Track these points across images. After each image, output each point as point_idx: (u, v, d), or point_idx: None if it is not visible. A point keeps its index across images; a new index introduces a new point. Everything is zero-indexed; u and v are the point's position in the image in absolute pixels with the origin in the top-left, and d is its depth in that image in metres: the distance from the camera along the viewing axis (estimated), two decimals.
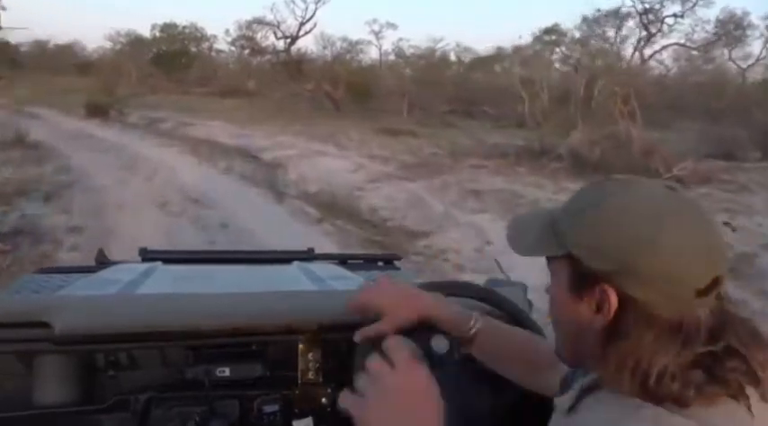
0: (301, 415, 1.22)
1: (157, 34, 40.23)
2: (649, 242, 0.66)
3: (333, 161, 12.67)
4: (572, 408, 0.73)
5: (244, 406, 1.21)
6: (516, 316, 1.20)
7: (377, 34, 33.69)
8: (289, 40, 33.09)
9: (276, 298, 1.31)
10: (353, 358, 1.07)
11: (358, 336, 1.03)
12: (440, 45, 31.57)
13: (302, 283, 1.64)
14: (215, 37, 39.38)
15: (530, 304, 1.37)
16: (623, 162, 10.24)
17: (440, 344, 1.10)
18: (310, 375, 1.24)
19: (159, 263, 1.83)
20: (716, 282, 0.67)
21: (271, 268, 1.96)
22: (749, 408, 0.66)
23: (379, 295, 1.07)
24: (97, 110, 19.62)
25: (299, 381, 1.23)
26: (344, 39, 31.91)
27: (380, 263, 2.17)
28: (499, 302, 1.21)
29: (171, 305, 1.23)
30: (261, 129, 16.99)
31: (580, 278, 0.72)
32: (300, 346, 1.23)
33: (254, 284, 1.68)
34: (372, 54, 35.35)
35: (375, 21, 33.16)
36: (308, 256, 2.07)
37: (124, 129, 17.40)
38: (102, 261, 2.01)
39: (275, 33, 33.97)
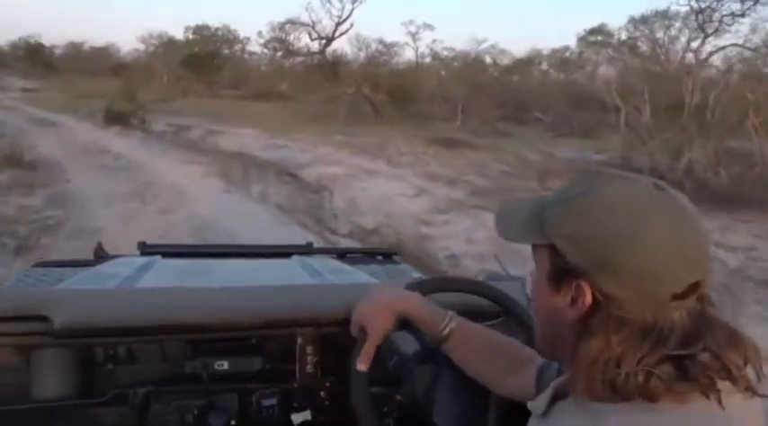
0: (300, 409, 1.23)
1: (190, 36, 40.02)
2: (629, 239, 0.65)
3: (386, 183, 10.58)
4: (545, 413, 0.72)
5: (242, 400, 1.21)
6: (512, 310, 1.19)
7: (413, 35, 31.99)
8: (324, 42, 31.27)
9: (275, 293, 1.32)
10: (351, 352, 1.08)
11: (361, 364, 1.05)
12: (483, 47, 30.08)
13: (301, 277, 1.64)
14: (247, 39, 38.90)
15: (528, 298, 1.32)
16: (761, 189, 8.00)
17: None
18: (308, 368, 1.25)
19: (158, 257, 1.83)
20: (695, 286, 0.66)
21: (270, 262, 1.97)
22: (719, 401, 0.64)
23: (359, 312, 1.09)
24: (118, 118, 17.10)
25: (298, 375, 1.24)
26: (379, 41, 30.44)
27: (379, 257, 2.15)
28: (495, 296, 1.20)
29: (170, 299, 1.24)
30: (298, 139, 15.22)
31: (559, 270, 0.71)
32: (299, 340, 1.24)
33: (253, 278, 1.64)
34: (407, 56, 33.31)
35: (411, 22, 31.54)
36: (307, 250, 2.08)
37: (146, 140, 15.11)
38: (101, 255, 2.00)
39: (310, 34, 32.16)
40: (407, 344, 1.19)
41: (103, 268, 1.67)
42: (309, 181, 10.47)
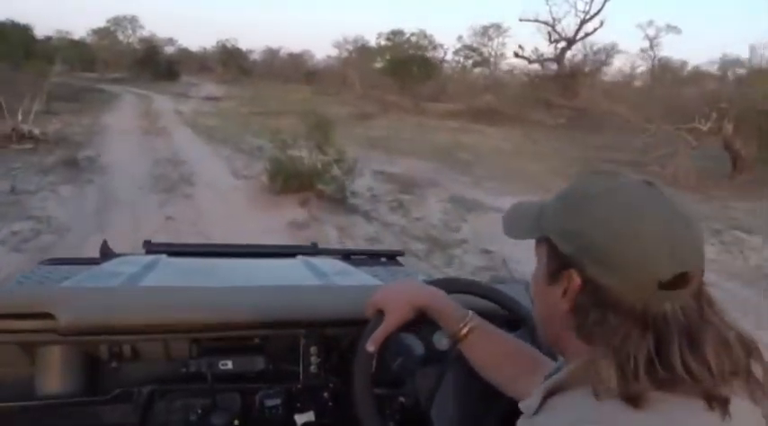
0: (303, 409, 1.23)
1: (382, 42, 37.97)
2: (613, 227, 0.68)
3: None
4: (536, 411, 0.73)
5: (246, 400, 1.21)
6: (518, 313, 1.21)
7: (652, 40, 27.45)
8: (562, 45, 23.74)
9: (279, 293, 1.32)
10: (354, 353, 1.09)
11: (371, 345, 1.05)
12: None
13: (305, 278, 1.64)
14: (442, 46, 36.18)
15: (533, 301, 1.35)
16: None
17: (441, 340, 1.17)
18: (312, 369, 1.24)
19: (163, 256, 1.82)
20: (682, 278, 0.67)
21: (274, 262, 1.96)
22: (722, 408, 0.65)
23: (382, 295, 1.09)
24: (295, 185, 8.54)
25: (301, 375, 1.24)
26: (612, 47, 26.21)
27: (383, 259, 2.15)
28: (501, 299, 1.22)
29: (174, 298, 1.24)
30: None
31: (553, 262, 0.74)
32: (302, 341, 1.24)
33: (258, 278, 1.66)
34: (615, 64, 26.73)
35: (651, 23, 27.95)
36: (312, 251, 2.08)
37: (342, 231, 7.38)
38: (107, 254, 1.97)
39: (549, 35, 24.56)
40: (411, 346, 1.20)
41: (109, 266, 1.64)
42: None
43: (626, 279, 0.67)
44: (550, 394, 0.72)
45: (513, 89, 26.55)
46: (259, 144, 12.80)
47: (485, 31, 31.81)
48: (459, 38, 33.24)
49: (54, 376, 1.16)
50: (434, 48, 36.99)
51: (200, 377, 1.19)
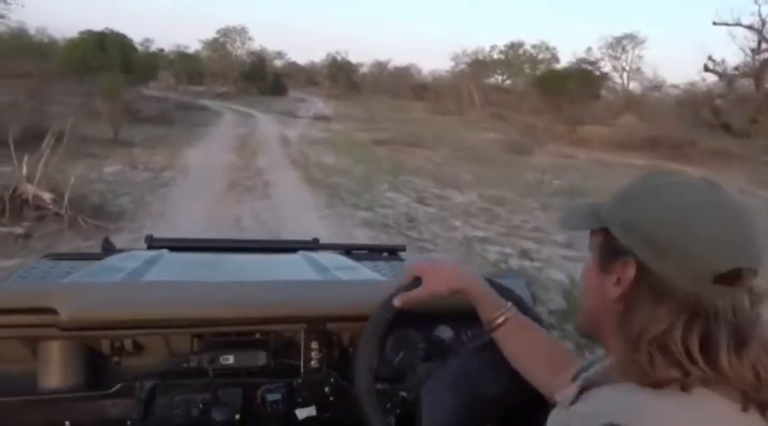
0: (304, 404, 1.22)
1: (495, 56, 37.00)
2: (673, 220, 0.69)
3: None
4: (573, 401, 0.75)
5: (247, 394, 1.21)
6: (519, 305, 1.18)
7: None
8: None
9: (280, 287, 1.32)
10: (355, 348, 1.12)
11: (398, 300, 1.11)
12: None
13: (306, 273, 1.63)
14: (556, 58, 35.01)
15: (533, 297, 1.38)
16: None
17: (445, 333, 1.24)
18: (313, 364, 1.24)
19: (165, 251, 1.83)
20: (737, 274, 0.67)
21: (275, 257, 1.94)
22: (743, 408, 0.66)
23: (425, 265, 1.15)
24: None
25: (303, 370, 1.24)
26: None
27: (385, 254, 2.12)
28: (502, 291, 1.19)
29: (175, 292, 1.25)
30: None
31: (609, 252, 0.75)
32: (303, 335, 1.24)
33: (259, 273, 1.66)
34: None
35: None
36: (314, 246, 2.05)
37: None
38: (109, 249, 1.98)
39: (759, 44, 19.42)
40: (413, 341, 1.25)
41: (110, 261, 1.65)
42: None
43: (681, 268, 0.68)
44: (588, 387, 0.75)
45: (669, 111, 21.10)
46: (409, 208, 8.69)
47: (618, 43, 28.80)
48: (588, 50, 30.07)
49: (56, 370, 1.18)
50: (557, 61, 34.67)
51: (201, 371, 1.19)
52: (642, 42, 29.14)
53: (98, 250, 1.99)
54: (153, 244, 1.93)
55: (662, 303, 0.68)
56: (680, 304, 0.67)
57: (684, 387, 0.65)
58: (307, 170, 11.65)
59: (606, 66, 29.53)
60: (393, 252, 2.12)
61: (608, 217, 0.76)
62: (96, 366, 1.21)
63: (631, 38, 29.39)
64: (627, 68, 30.53)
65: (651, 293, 0.69)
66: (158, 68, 36.69)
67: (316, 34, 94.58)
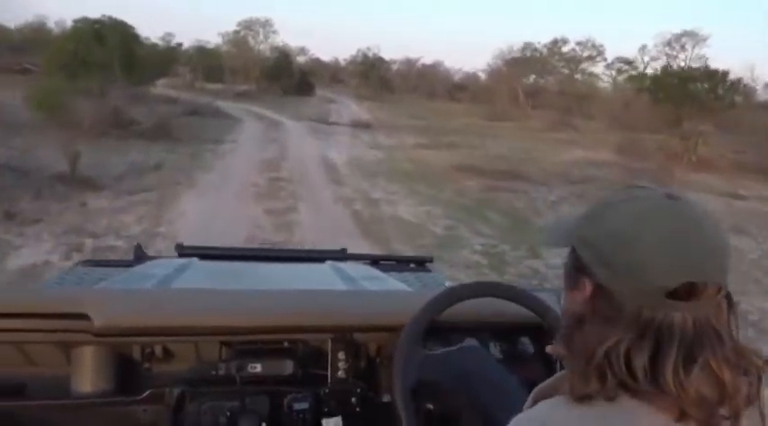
0: (331, 414, 1.22)
1: (528, 54, 33.93)
2: (623, 235, 0.69)
3: None
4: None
5: (274, 403, 1.21)
6: (544, 316, 1.21)
7: None
8: None
9: (308, 297, 1.33)
10: (382, 358, 1.18)
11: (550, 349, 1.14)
12: None
13: (334, 282, 1.63)
14: (602, 57, 32.73)
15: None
16: None
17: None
18: (340, 374, 1.24)
19: (195, 259, 1.84)
20: (692, 289, 0.66)
21: (303, 266, 1.94)
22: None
23: None
24: None
25: (330, 380, 1.24)
26: None
27: (412, 265, 2.11)
28: (527, 301, 1.21)
29: (205, 300, 1.27)
30: None
31: (573, 268, 0.75)
32: (331, 345, 1.24)
33: (287, 282, 1.67)
34: None
35: None
36: (341, 256, 2.04)
37: None
38: (140, 256, 1.99)
39: None
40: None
41: (142, 268, 1.67)
42: None
43: (633, 285, 0.67)
44: (538, 398, 0.76)
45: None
46: None
47: (677, 40, 26.80)
48: (642, 48, 28.85)
49: (88, 375, 1.19)
50: (604, 59, 32.65)
51: (229, 379, 1.20)
52: (704, 40, 26.61)
53: None
54: (183, 251, 1.94)
55: (613, 320, 0.67)
56: (630, 321, 0.66)
57: (608, 398, 0.65)
58: (388, 243, 6.94)
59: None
60: (420, 264, 2.12)
61: (574, 233, 0.75)
62: (127, 372, 1.23)
63: (692, 35, 27.15)
64: (685, 68, 27.75)
65: (604, 309, 0.69)
66: (174, 64, 32.97)
67: (339, 29, 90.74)
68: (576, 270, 0.74)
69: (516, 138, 18.55)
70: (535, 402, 0.75)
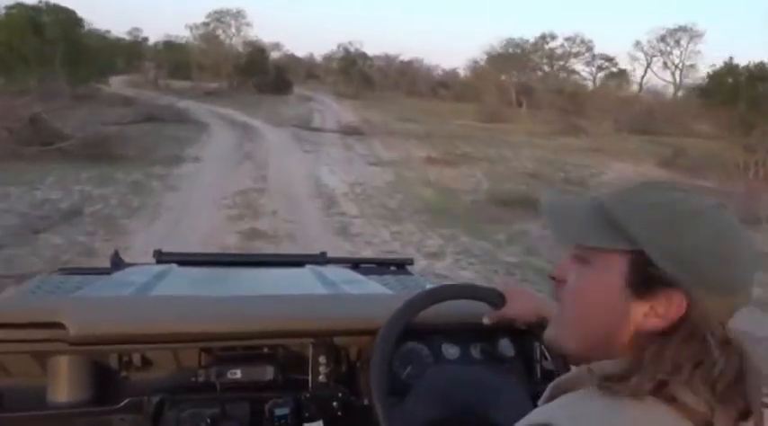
0: (312, 419, 1.22)
1: (510, 50, 32.88)
2: (720, 251, 0.66)
3: None
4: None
5: (255, 409, 1.21)
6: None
7: None
8: None
9: (288, 302, 1.32)
10: (363, 362, 1.16)
11: (487, 319, 1.21)
12: None
13: (314, 287, 1.63)
14: (590, 54, 31.90)
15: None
16: None
17: (452, 347, 1.28)
18: (321, 379, 1.24)
19: (173, 266, 1.82)
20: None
21: (283, 271, 1.93)
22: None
23: (512, 288, 1.24)
24: None
25: (310, 385, 1.24)
26: None
27: (393, 268, 2.11)
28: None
29: (184, 307, 1.25)
30: None
31: (647, 278, 0.69)
32: (311, 350, 1.24)
33: (267, 287, 1.65)
34: None
35: None
36: (322, 260, 2.04)
37: None
38: (117, 263, 1.97)
39: None
40: (421, 355, 1.27)
41: (119, 276, 1.65)
42: None
43: (725, 301, 0.66)
44: (556, 393, 0.73)
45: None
46: None
47: (671, 35, 27.07)
48: (637, 44, 29.26)
49: (65, 385, 1.17)
50: (593, 56, 31.29)
51: (209, 386, 1.19)
52: (699, 36, 26.33)
53: None
54: (161, 258, 1.91)
55: (704, 339, 0.65)
56: (720, 339, 0.65)
57: (634, 395, 0.63)
58: None
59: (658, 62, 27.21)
60: (401, 266, 2.11)
61: (644, 237, 0.68)
62: (104, 381, 1.21)
63: (687, 30, 27.00)
64: (679, 65, 28.22)
65: (695, 327, 0.65)
66: (138, 60, 29.89)
67: (313, 23, 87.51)
68: (655, 281, 0.67)
69: (529, 146, 16.20)
70: (553, 396, 0.72)
